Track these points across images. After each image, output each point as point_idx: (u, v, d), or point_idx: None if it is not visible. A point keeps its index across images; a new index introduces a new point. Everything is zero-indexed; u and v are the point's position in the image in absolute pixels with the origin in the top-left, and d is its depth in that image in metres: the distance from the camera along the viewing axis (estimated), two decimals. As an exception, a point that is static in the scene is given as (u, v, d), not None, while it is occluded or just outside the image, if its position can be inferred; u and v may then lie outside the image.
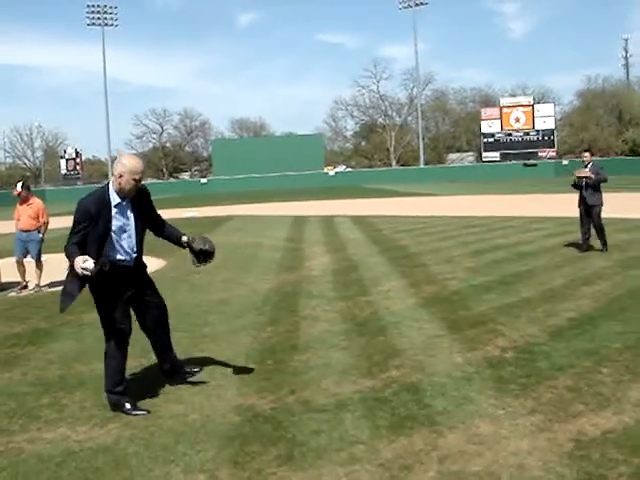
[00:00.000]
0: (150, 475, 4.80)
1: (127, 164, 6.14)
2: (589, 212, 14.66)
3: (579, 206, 14.85)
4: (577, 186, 14.82)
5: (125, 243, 6.30)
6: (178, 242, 6.71)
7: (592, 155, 15.19)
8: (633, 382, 6.25)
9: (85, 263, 5.63)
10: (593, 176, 14.48)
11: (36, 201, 13.53)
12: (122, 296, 6.31)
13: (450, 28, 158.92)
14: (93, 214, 6.04)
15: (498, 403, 5.87)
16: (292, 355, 7.64)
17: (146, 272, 6.71)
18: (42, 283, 13.34)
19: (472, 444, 5.06)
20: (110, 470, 4.91)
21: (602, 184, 14.63)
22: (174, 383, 6.77)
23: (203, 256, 6.56)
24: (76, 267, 5.69)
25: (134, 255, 6.40)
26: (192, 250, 6.57)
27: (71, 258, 5.83)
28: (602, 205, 14.73)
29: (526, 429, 5.29)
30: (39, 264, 13.32)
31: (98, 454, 5.20)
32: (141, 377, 7.07)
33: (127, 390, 6.28)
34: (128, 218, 6.30)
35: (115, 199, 6.18)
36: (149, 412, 6.09)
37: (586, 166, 14.79)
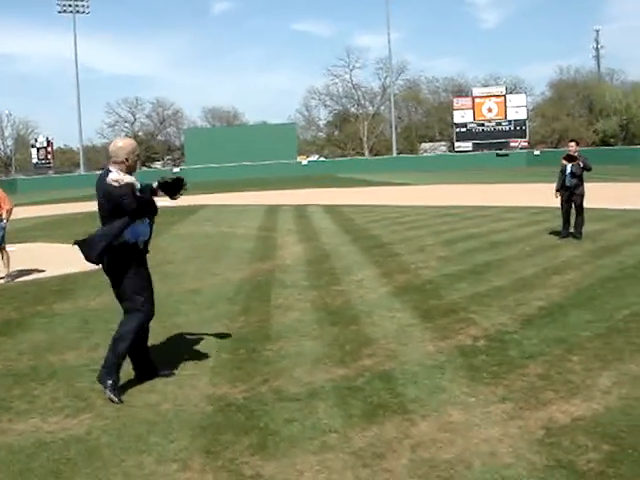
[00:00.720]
0: (123, 465, 4.78)
1: (126, 146, 6.42)
2: (572, 201, 14.87)
3: (561, 194, 15.04)
4: (564, 186, 15.09)
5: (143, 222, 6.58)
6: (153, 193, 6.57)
7: (578, 145, 15.40)
8: (602, 370, 6.33)
9: None
10: (581, 163, 14.79)
11: None
12: (148, 277, 6.79)
13: (423, 18, 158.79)
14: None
15: (470, 391, 5.92)
16: (265, 344, 7.64)
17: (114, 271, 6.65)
18: (11, 271, 13.17)
19: (444, 432, 5.10)
20: (82, 461, 4.89)
21: (585, 174, 14.86)
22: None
23: (176, 186, 6.48)
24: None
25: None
26: (166, 187, 6.46)
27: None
28: (584, 195, 15.03)
29: (497, 417, 5.34)
30: (4, 252, 13.16)
31: (70, 445, 5.17)
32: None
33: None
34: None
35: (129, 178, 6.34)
36: (122, 402, 6.08)
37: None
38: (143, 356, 6.74)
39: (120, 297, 6.58)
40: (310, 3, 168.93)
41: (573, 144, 15.28)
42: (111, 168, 6.31)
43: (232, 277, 12.05)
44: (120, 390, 6.24)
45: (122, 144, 6.41)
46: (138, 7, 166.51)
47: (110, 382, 6.18)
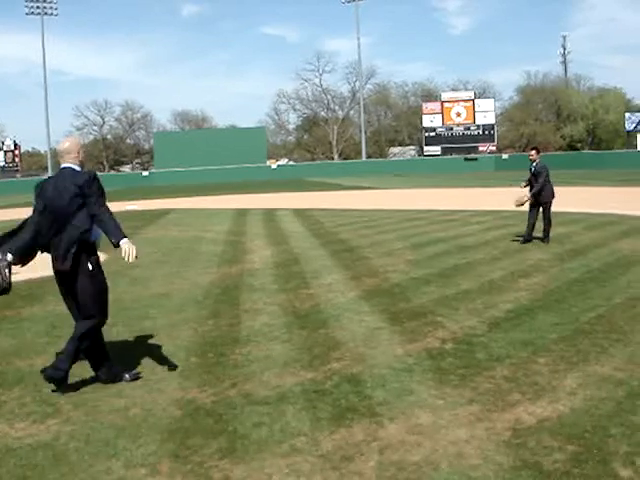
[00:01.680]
0: (91, 470, 4.76)
1: (75, 141, 6.71)
2: (539, 205, 14.97)
3: (529, 200, 15.08)
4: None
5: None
6: None
7: (539, 153, 15.40)
8: (568, 371, 6.40)
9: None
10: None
11: None
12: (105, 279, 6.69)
13: (393, 23, 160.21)
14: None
15: (438, 393, 5.96)
16: (233, 348, 7.64)
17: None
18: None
19: (412, 434, 5.13)
20: (50, 466, 4.85)
21: (550, 178, 14.91)
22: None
23: None
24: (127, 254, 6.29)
25: None
26: None
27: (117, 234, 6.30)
28: (553, 198, 15.13)
29: (465, 419, 5.38)
30: None
31: (37, 450, 5.13)
32: (81, 371, 6.98)
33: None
34: None
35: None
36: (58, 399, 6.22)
37: (532, 163, 15.06)
38: (101, 357, 6.68)
39: (78, 302, 6.48)
40: (280, 7, 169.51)
41: (533, 152, 15.37)
42: (69, 165, 6.42)
43: (201, 281, 12.02)
44: (85, 395, 6.23)
45: (69, 142, 6.62)
46: (107, 9, 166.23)
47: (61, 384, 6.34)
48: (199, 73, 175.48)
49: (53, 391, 6.32)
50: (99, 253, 6.63)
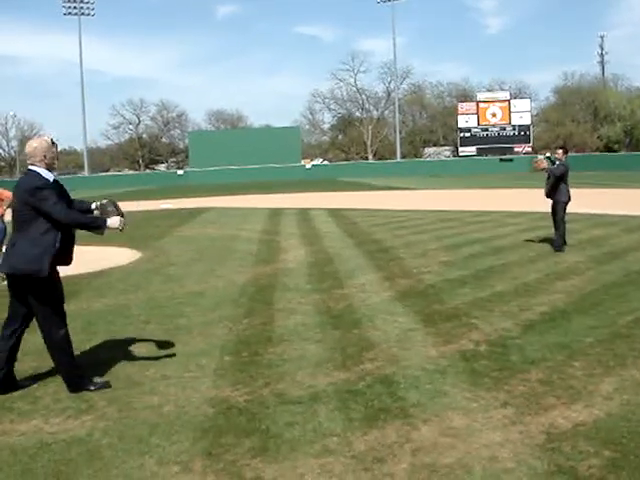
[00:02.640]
0: (124, 467, 4.79)
1: (42, 143, 6.53)
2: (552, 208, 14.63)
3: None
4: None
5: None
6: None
7: (566, 153, 14.80)
8: (604, 376, 6.32)
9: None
10: (547, 169, 14.39)
11: None
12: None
13: (428, 22, 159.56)
14: (58, 187, 6.39)
15: (471, 396, 5.92)
16: (267, 347, 7.65)
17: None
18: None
19: (445, 436, 5.10)
20: (84, 462, 4.89)
21: (567, 180, 14.42)
22: (140, 375, 6.76)
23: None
24: (119, 225, 6.37)
25: None
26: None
27: (94, 221, 6.43)
28: (566, 201, 14.50)
29: (499, 422, 5.34)
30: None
31: (72, 446, 5.17)
32: (116, 368, 7.04)
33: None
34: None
35: (49, 175, 6.42)
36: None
37: (553, 163, 14.66)
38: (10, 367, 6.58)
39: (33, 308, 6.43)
40: (315, 7, 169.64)
41: (560, 151, 14.77)
42: (34, 168, 6.35)
43: (236, 279, 12.06)
44: (118, 391, 6.30)
45: (36, 144, 6.45)
46: (143, 9, 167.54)
47: (89, 384, 6.37)
48: (234, 73, 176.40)
49: (92, 390, 6.37)
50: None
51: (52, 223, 6.16)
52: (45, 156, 6.37)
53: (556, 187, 14.41)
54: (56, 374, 6.70)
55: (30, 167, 6.38)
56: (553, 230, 14.67)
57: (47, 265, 6.13)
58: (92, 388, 6.35)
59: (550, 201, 14.74)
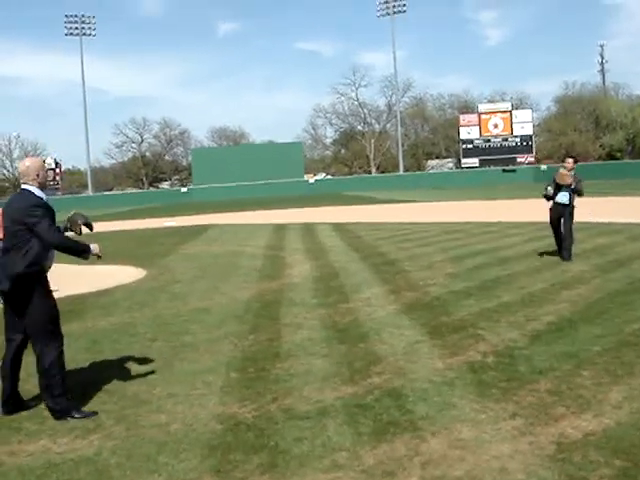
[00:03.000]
0: (132, 485, 4.77)
1: (35, 162, 6.54)
2: (561, 217, 14.23)
3: (551, 215, 14.43)
4: (548, 197, 14.41)
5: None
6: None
7: (576, 162, 14.51)
8: (613, 384, 6.30)
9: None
10: (573, 184, 14.02)
11: None
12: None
13: (428, 35, 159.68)
14: (49, 207, 6.40)
15: (480, 407, 5.89)
16: (274, 363, 7.63)
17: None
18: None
19: (454, 449, 5.08)
20: (92, 481, 4.88)
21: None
22: (147, 394, 6.74)
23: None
24: (97, 251, 6.43)
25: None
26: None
27: (80, 246, 6.41)
28: (574, 207, 14.23)
29: (508, 433, 5.31)
30: None
31: (80, 465, 5.16)
32: (123, 387, 7.03)
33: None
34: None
35: (42, 194, 6.44)
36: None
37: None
38: (15, 387, 6.60)
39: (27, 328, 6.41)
40: (315, 22, 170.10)
41: (571, 160, 14.39)
42: (27, 187, 6.37)
43: (241, 296, 12.05)
44: (126, 411, 6.28)
45: (29, 163, 6.48)
46: (144, 28, 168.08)
47: (75, 412, 6.29)
48: (235, 90, 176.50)
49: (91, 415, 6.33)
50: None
51: (42, 243, 6.19)
52: (38, 175, 6.40)
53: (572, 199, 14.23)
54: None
55: (23, 186, 6.41)
56: (557, 245, 14.45)
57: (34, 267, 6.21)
58: (77, 416, 6.26)
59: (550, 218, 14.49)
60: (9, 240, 6.28)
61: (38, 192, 6.37)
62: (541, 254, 15.02)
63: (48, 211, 6.31)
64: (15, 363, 6.53)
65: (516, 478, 4.55)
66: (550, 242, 16.16)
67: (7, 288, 6.23)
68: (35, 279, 6.25)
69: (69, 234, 6.64)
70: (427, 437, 5.32)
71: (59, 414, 6.25)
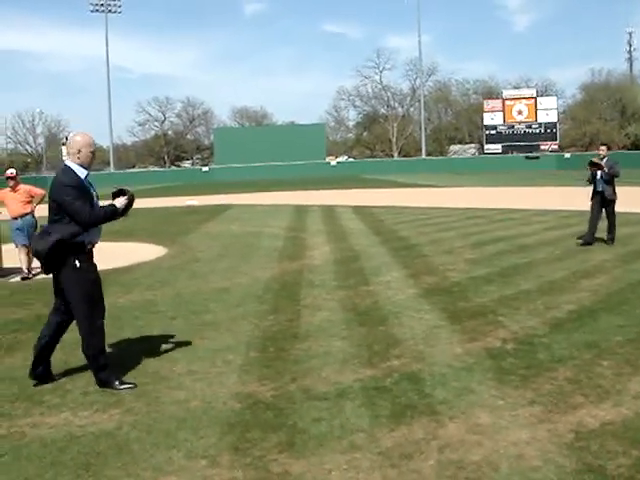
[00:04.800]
0: (152, 460, 4.82)
1: (82, 139, 6.48)
2: (603, 206, 14.66)
3: (592, 199, 14.81)
4: (591, 180, 14.84)
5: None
6: None
7: (609, 149, 15.03)
8: (633, 375, 6.28)
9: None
10: (606, 169, 14.44)
11: (22, 186, 13.58)
12: (98, 275, 6.59)
13: (454, 20, 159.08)
14: (86, 187, 6.39)
15: (498, 394, 5.90)
16: (293, 343, 7.67)
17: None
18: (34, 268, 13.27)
19: (472, 434, 5.09)
20: (112, 455, 4.93)
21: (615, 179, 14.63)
22: (167, 370, 6.80)
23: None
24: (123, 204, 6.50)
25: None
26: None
27: (111, 215, 6.46)
28: (616, 200, 14.76)
29: (526, 420, 5.32)
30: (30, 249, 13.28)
31: (100, 439, 5.22)
32: (143, 363, 7.09)
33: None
34: (95, 192, 6.57)
35: (82, 172, 6.43)
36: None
37: (602, 159, 14.70)
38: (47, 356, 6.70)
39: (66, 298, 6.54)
40: (341, 4, 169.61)
41: (604, 148, 14.88)
42: (68, 163, 6.44)
43: (261, 276, 12.09)
44: (146, 387, 6.34)
45: (79, 138, 6.49)
46: (170, 7, 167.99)
47: (116, 381, 6.40)
48: (260, 70, 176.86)
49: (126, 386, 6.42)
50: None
51: (75, 223, 6.25)
52: (79, 151, 6.38)
53: (612, 185, 14.69)
54: (85, 369, 6.76)
55: (65, 162, 6.46)
56: (589, 228, 14.72)
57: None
58: (119, 387, 6.36)
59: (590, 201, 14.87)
60: (51, 212, 6.39)
61: (78, 170, 6.38)
62: (562, 242, 14.96)
63: (82, 191, 6.30)
64: (56, 331, 6.65)
65: (533, 465, 4.56)
66: (572, 231, 16.15)
67: (42, 250, 6.28)
68: (72, 251, 6.29)
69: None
70: (445, 421, 5.34)
71: (100, 384, 6.40)
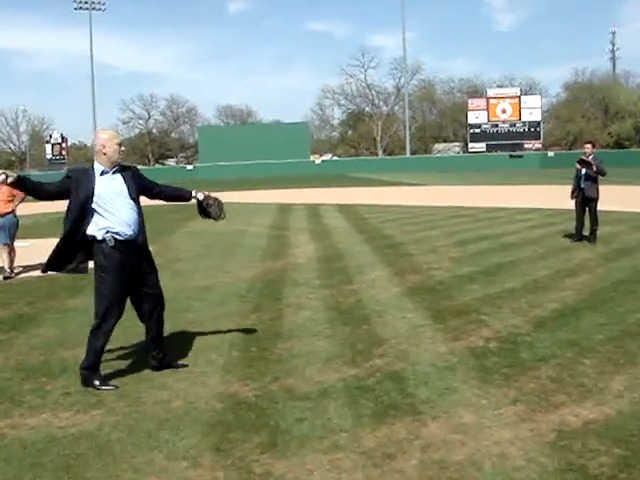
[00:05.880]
0: (133, 461, 4.78)
1: (105, 135, 6.58)
2: (585, 204, 14.73)
3: (575, 197, 14.89)
4: (579, 188, 14.89)
5: (119, 214, 6.41)
6: (185, 197, 7.47)
7: (594, 148, 15.20)
8: (615, 373, 6.29)
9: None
10: (595, 167, 14.52)
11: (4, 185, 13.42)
12: (121, 277, 6.52)
13: (438, 19, 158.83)
14: (72, 179, 6.45)
15: (481, 393, 5.90)
16: (276, 343, 7.64)
17: (148, 255, 6.77)
18: (24, 267, 13.22)
19: (455, 433, 5.08)
20: (93, 456, 4.89)
21: (600, 177, 14.71)
22: (157, 370, 6.76)
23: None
24: None
25: (133, 228, 6.50)
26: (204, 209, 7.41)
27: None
28: (598, 199, 14.82)
29: (508, 419, 5.32)
30: (13, 248, 13.20)
31: (81, 440, 5.18)
32: (126, 363, 7.05)
33: (99, 368, 6.50)
34: (119, 188, 6.50)
35: (99, 168, 6.48)
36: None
37: (587, 158, 14.80)
38: (152, 346, 6.85)
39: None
40: (326, 3, 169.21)
41: (589, 146, 15.05)
42: (95, 160, 6.52)
43: (244, 275, 12.05)
44: (129, 386, 6.31)
45: (102, 134, 6.60)
46: (154, 5, 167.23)
47: (96, 381, 6.38)
48: (244, 69, 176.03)
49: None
50: None
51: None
52: (104, 146, 6.45)
53: (596, 183, 14.82)
54: (66, 370, 6.72)
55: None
56: (575, 227, 14.89)
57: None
58: (99, 386, 6.34)
59: (573, 200, 15.03)
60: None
61: (96, 165, 6.49)
62: (546, 241, 15.02)
63: (66, 178, 6.49)
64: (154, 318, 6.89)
65: (516, 464, 4.55)
66: (555, 229, 16.21)
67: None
68: (95, 249, 6.47)
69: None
70: (428, 421, 5.33)
71: (82, 381, 6.41)
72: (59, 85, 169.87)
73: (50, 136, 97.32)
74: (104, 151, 6.41)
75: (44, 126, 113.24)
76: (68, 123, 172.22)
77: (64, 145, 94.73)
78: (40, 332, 8.51)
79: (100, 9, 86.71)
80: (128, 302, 6.72)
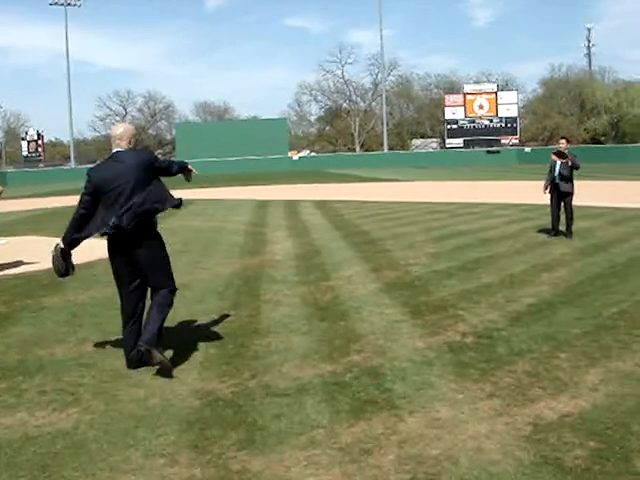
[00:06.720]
0: (110, 460, 4.77)
1: (133, 128, 7.32)
2: (561, 199, 14.82)
3: (550, 192, 14.97)
4: (553, 184, 14.97)
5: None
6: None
7: (569, 143, 15.26)
8: (590, 367, 6.34)
9: None
10: (569, 161, 14.58)
11: None
12: (121, 270, 7.00)
13: (416, 15, 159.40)
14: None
15: (458, 387, 5.93)
16: (253, 339, 7.64)
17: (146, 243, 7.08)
18: (3, 266, 13.12)
19: (431, 428, 5.10)
20: (69, 455, 4.87)
21: (574, 172, 14.79)
22: (134, 367, 6.73)
23: None
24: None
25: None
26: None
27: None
28: (574, 194, 14.89)
29: (485, 413, 5.35)
30: None
31: (57, 439, 5.15)
32: (102, 361, 7.02)
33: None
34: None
35: None
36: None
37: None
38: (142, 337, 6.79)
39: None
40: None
41: (563, 141, 15.08)
42: (124, 150, 6.92)
43: (222, 272, 12.03)
44: (105, 384, 6.29)
45: (130, 126, 7.17)
46: (130, 0, 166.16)
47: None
48: (222, 65, 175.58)
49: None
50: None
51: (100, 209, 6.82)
52: (133, 136, 7.02)
53: (571, 178, 14.88)
54: (42, 368, 6.68)
55: (121, 150, 6.98)
56: (551, 222, 14.95)
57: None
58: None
59: (547, 193, 15.09)
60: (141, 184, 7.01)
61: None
62: (523, 236, 15.09)
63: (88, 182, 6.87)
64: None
65: (492, 458, 4.58)
66: (533, 224, 16.31)
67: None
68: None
69: None
70: (404, 416, 5.35)
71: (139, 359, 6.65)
72: (35, 81, 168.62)
73: (26, 133, 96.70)
74: (130, 140, 6.94)
75: (20, 123, 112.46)
76: (44, 120, 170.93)
77: (40, 142, 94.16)
78: (16, 330, 8.45)
79: (75, 4, 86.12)
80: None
